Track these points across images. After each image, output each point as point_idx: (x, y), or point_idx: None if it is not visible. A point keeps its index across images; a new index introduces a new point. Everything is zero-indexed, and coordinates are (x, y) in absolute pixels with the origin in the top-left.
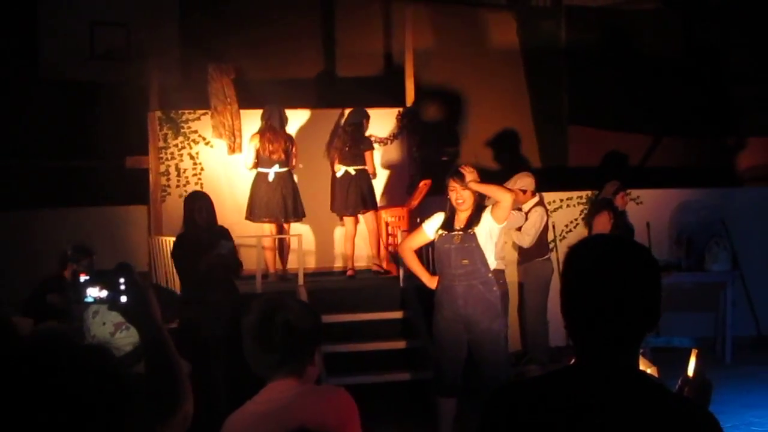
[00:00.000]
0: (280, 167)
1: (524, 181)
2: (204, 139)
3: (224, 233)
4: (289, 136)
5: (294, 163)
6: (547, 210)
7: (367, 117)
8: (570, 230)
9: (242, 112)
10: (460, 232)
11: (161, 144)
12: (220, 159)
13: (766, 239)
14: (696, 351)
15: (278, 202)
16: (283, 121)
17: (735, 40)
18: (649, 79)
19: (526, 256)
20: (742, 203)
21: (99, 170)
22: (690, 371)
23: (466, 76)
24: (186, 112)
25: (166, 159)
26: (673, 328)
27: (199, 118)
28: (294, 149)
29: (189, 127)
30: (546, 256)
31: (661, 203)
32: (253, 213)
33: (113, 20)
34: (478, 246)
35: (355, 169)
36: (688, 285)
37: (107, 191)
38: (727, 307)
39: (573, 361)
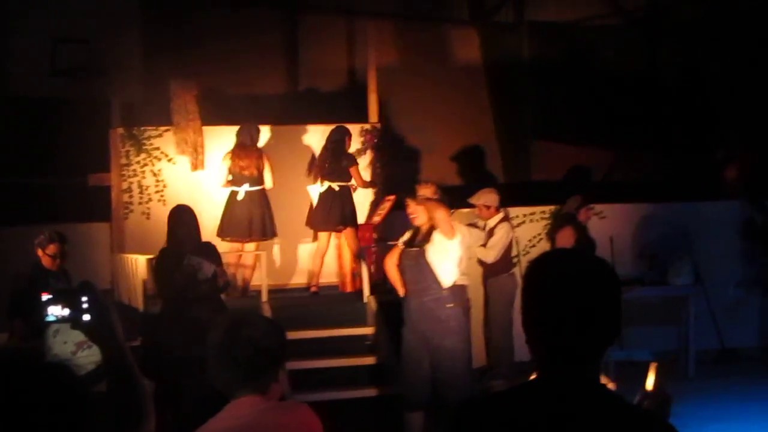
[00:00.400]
0: (250, 185)
1: (487, 197)
2: (166, 155)
3: (210, 251)
4: (261, 153)
5: (266, 181)
6: (512, 225)
7: (349, 134)
8: (533, 245)
9: (205, 128)
10: (413, 249)
11: (123, 161)
12: (182, 176)
13: (728, 253)
14: (655, 365)
15: (243, 221)
16: (254, 137)
17: (697, 56)
18: (611, 94)
19: (491, 271)
20: (705, 217)
21: (61, 187)
22: (649, 385)
23: (430, 92)
24: (148, 128)
25: (129, 176)
26: (636, 342)
27: (161, 135)
28: (267, 165)
29: (151, 144)
30: (510, 272)
31: (624, 218)
32: (222, 230)
33: (76, 37)
34: (427, 263)
35: (339, 185)
36: (651, 299)
37: (69, 208)
38: (689, 320)
39: (535, 375)
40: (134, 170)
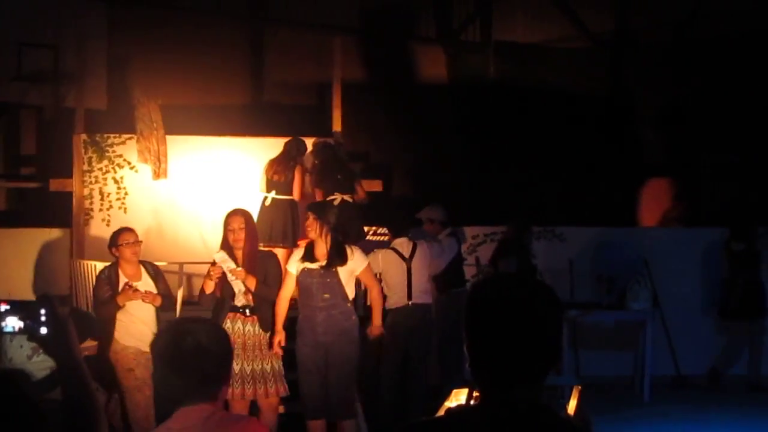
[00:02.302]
0: (277, 193)
1: (431, 212)
2: (129, 163)
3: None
4: (297, 165)
5: (298, 193)
6: (459, 241)
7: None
8: None
9: (168, 137)
10: (321, 269)
11: (86, 167)
12: (144, 184)
13: (686, 279)
14: (578, 389)
15: (265, 226)
16: (299, 150)
17: (661, 79)
18: (574, 114)
19: (441, 287)
20: (664, 243)
21: (22, 192)
22: (570, 409)
23: (395, 108)
24: (111, 136)
25: (90, 182)
26: (592, 366)
27: (124, 143)
28: (297, 177)
29: (114, 151)
30: (461, 288)
31: (583, 241)
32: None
33: (42, 42)
34: (339, 282)
35: (351, 198)
36: (609, 323)
37: (30, 213)
38: (646, 345)
39: (476, 398)
40: (96, 177)
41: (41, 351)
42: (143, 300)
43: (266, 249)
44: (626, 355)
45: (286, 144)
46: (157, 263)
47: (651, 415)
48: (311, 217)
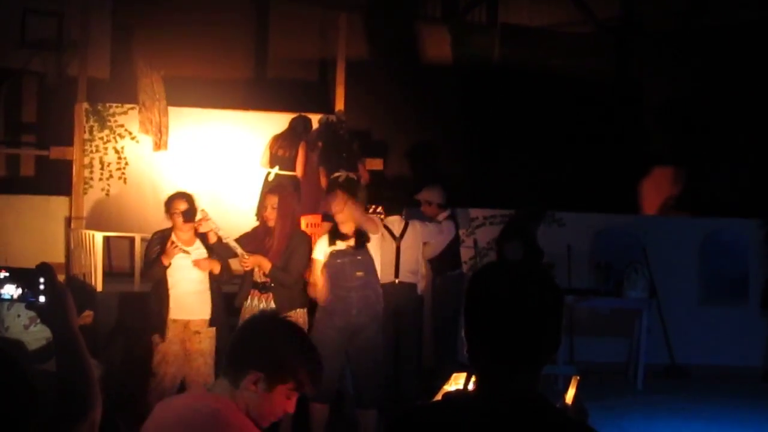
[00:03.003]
0: (280, 168)
1: (429, 193)
2: (130, 133)
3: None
4: (302, 143)
5: (301, 169)
6: (457, 224)
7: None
8: (491, 248)
9: (170, 109)
10: (351, 248)
11: (87, 136)
12: (145, 155)
13: (684, 268)
14: (576, 379)
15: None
16: (305, 128)
17: (666, 67)
18: (578, 100)
19: (437, 269)
20: (664, 231)
21: (21, 159)
22: (568, 398)
23: (398, 87)
24: (113, 105)
25: (91, 151)
26: (586, 352)
27: (126, 113)
28: (301, 154)
29: (116, 121)
30: (457, 270)
31: (583, 227)
32: (257, 209)
33: (46, 9)
34: (371, 258)
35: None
36: (605, 310)
37: (28, 180)
38: (642, 334)
39: (474, 384)
40: (96, 146)
41: (38, 321)
42: (195, 265)
43: (305, 228)
44: (621, 343)
45: (292, 120)
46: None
47: (643, 403)
48: (339, 195)
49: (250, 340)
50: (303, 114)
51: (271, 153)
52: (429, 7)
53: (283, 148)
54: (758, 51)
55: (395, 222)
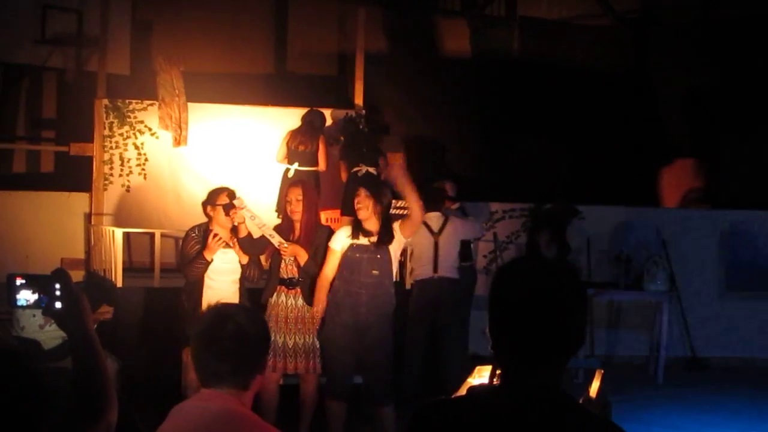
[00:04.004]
0: (300, 165)
1: (440, 186)
2: (150, 129)
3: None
4: (320, 136)
5: (323, 162)
6: (467, 217)
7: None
8: (511, 241)
9: (190, 104)
10: (372, 244)
11: (106, 132)
12: (165, 150)
13: (705, 261)
14: (600, 372)
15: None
16: (320, 122)
17: (685, 59)
18: (597, 92)
19: None
20: (684, 224)
21: (41, 155)
22: (593, 391)
23: (417, 81)
24: (133, 101)
25: (111, 147)
26: (607, 345)
27: (145, 109)
28: (322, 148)
29: (135, 117)
30: (468, 263)
31: (602, 220)
32: (277, 206)
33: (66, 5)
34: (389, 260)
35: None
36: (625, 303)
37: (49, 176)
38: (662, 327)
39: (497, 379)
40: (116, 142)
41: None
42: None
43: (324, 223)
44: (641, 336)
45: (307, 115)
46: (174, 231)
47: (664, 396)
48: (363, 193)
49: (256, 343)
50: (314, 108)
51: (288, 149)
52: (448, 1)
53: (303, 143)
54: None
55: (433, 218)
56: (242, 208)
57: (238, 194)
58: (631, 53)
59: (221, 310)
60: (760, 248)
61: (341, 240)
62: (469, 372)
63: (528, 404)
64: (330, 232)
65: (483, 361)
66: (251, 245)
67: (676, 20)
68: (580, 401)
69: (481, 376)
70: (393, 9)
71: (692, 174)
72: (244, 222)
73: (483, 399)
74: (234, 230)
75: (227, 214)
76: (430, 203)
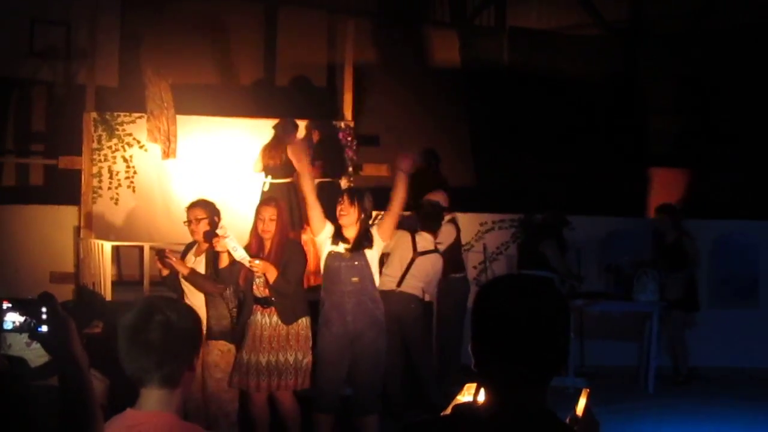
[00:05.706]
0: (273, 177)
1: (434, 197)
2: (138, 142)
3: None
4: (289, 145)
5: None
6: (458, 228)
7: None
8: (500, 252)
9: (178, 117)
10: (350, 251)
11: (95, 145)
12: (153, 163)
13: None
14: (586, 391)
15: None
16: (290, 131)
17: (675, 69)
18: (586, 102)
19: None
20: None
21: (30, 168)
22: (579, 410)
23: (406, 91)
24: (122, 114)
25: (99, 161)
26: (598, 356)
27: (134, 121)
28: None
29: (124, 130)
30: (461, 274)
31: (592, 230)
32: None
33: (54, 18)
34: (367, 265)
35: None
36: (615, 314)
37: (37, 190)
38: (652, 337)
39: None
40: (105, 155)
41: None
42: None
43: (294, 239)
44: (631, 346)
45: (274, 126)
46: (164, 244)
47: (655, 406)
48: (347, 200)
49: (183, 337)
50: (284, 117)
51: (263, 164)
52: (437, 11)
53: (272, 157)
54: (766, 53)
55: (427, 239)
56: (226, 237)
57: (221, 223)
58: (621, 63)
59: (150, 302)
60: (749, 258)
61: (326, 235)
62: (459, 388)
63: (512, 424)
64: (301, 248)
65: (475, 376)
66: (230, 274)
67: (665, 30)
68: (567, 420)
69: (470, 393)
70: (382, 20)
71: (680, 184)
72: (226, 251)
73: (467, 418)
74: (215, 260)
75: (208, 241)
76: (427, 222)
